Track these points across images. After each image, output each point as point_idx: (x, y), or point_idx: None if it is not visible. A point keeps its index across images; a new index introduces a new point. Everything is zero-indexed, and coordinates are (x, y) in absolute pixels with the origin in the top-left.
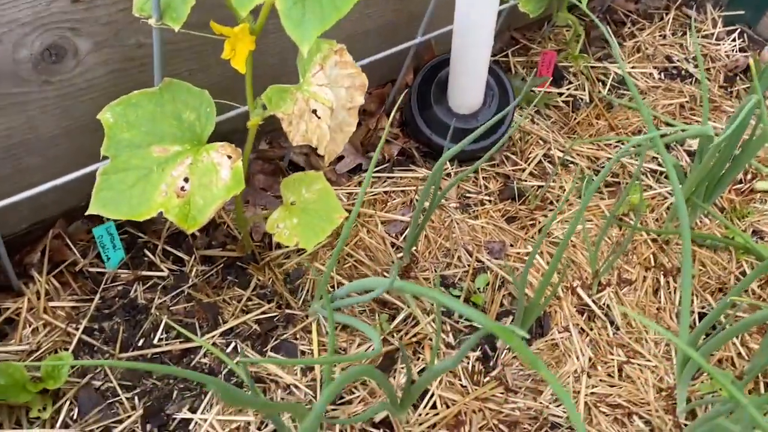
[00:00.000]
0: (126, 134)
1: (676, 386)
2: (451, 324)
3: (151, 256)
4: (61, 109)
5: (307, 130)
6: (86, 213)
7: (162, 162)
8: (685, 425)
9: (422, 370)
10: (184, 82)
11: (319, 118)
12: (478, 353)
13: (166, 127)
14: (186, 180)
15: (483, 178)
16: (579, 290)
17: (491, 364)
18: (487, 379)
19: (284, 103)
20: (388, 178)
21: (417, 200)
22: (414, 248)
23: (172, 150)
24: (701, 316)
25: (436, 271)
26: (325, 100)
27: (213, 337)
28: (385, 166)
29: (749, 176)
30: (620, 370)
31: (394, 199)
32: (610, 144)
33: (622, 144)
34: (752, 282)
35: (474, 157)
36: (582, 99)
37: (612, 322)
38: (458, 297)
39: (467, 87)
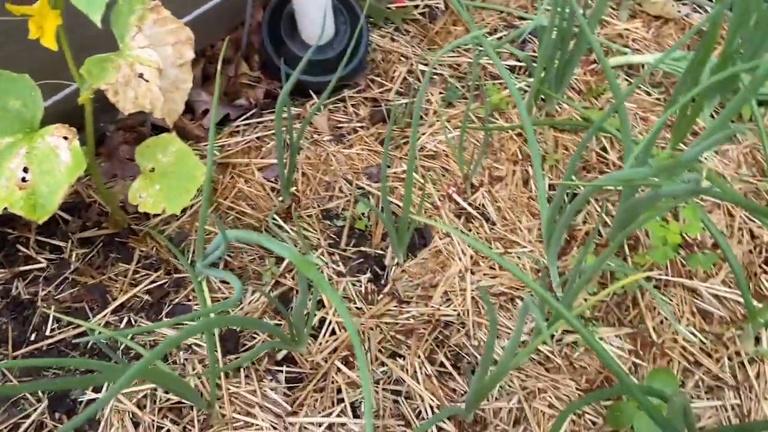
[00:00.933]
0: None
1: (549, 264)
2: (339, 254)
3: (26, 250)
4: None
5: (137, 96)
6: None
7: None
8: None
9: (320, 302)
10: (1, 70)
11: (147, 81)
12: (368, 275)
13: None
14: (26, 170)
15: (352, 105)
16: (455, 196)
17: (382, 282)
18: (381, 296)
19: (106, 73)
20: (259, 123)
21: (291, 141)
22: (294, 188)
23: (4, 142)
24: (573, 196)
25: (318, 206)
26: (150, 62)
27: (104, 316)
28: (253, 111)
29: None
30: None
31: (268, 143)
32: (471, 49)
33: (481, 48)
34: (580, 150)
35: (338, 87)
36: (438, 8)
37: (488, 219)
38: (342, 226)
39: (315, 17)
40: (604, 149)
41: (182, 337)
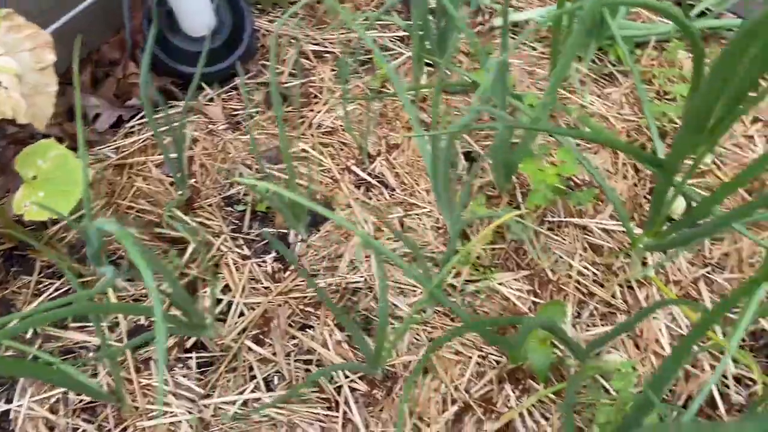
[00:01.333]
0: None
1: (445, 220)
2: (243, 238)
3: None
4: None
5: None
6: None
7: None
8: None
9: (226, 287)
10: None
11: (6, 88)
12: (273, 254)
13: None
14: None
15: (246, 92)
16: (354, 168)
17: (288, 259)
18: (287, 273)
19: None
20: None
21: (177, 135)
22: (193, 180)
23: None
24: (467, 155)
25: (219, 195)
26: (7, 69)
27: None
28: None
29: (486, 16)
30: (402, 225)
31: (165, 139)
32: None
33: (366, 21)
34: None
35: (230, 75)
36: None
37: (387, 186)
38: (244, 211)
39: (191, 9)
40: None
41: (48, 317)
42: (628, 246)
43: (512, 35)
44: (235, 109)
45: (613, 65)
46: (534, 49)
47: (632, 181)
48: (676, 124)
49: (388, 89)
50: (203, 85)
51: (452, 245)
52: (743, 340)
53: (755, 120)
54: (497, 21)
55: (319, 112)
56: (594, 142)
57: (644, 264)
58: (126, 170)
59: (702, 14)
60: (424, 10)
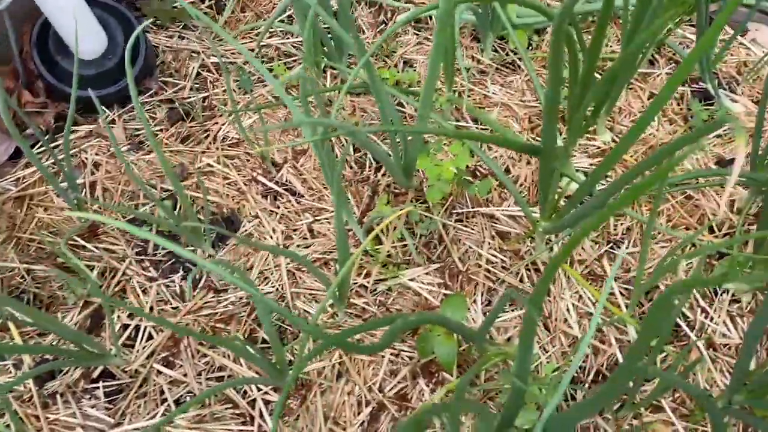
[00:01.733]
0: None
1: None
2: (149, 260)
3: None
4: None
5: None
6: None
7: None
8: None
9: (131, 313)
10: None
11: None
12: (181, 273)
13: None
14: None
15: (147, 110)
16: (260, 178)
17: (197, 276)
18: (196, 291)
19: None
20: (55, 147)
21: (85, 159)
22: (97, 205)
23: None
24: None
25: (124, 218)
26: None
27: None
28: (47, 138)
29: (389, 14)
30: (311, 231)
31: (66, 167)
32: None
33: (271, 29)
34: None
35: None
36: None
37: (295, 193)
38: (150, 230)
39: (78, 32)
40: (400, 104)
41: None
42: (533, 230)
43: (416, 32)
44: (138, 129)
45: (515, 53)
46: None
47: (535, 166)
48: None
49: (292, 94)
50: (103, 108)
51: (343, 253)
52: (640, 305)
53: (651, 96)
54: (401, 18)
55: (223, 124)
56: (470, 139)
57: (549, 246)
58: (27, 201)
59: None
60: (309, 20)
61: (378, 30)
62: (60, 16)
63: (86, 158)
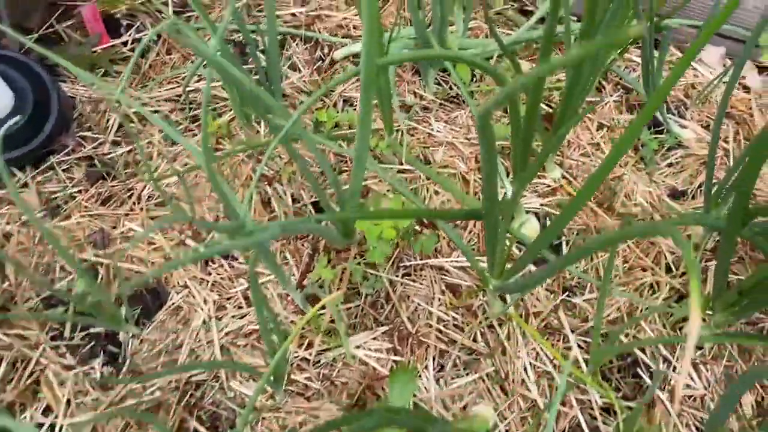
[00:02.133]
0: None
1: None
2: (66, 345)
3: None
4: None
5: None
6: None
7: None
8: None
9: (47, 409)
10: None
11: None
12: (102, 358)
13: None
14: None
15: (63, 171)
16: (189, 241)
17: (120, 360)
18: (120, 376)
19: None
20: None
21: None
22: (6, 283)
23: None
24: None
25: (38, 296)
26: None
27: None
28: None
29: (326, 50)
30: (246, 298)
31: None
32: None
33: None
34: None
35: (44, 154)
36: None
37: (227, 256)
38: (66, 311)
39: None
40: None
41: None
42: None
43: (355, 66)
44: (53, 192)
45: (458, 87)
46: None
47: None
48: None
49: (223, 145)
50: (14, 170)
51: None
52: (610, 362)
53: (600, 126)
54: (338, 54)
55: (148, 181)
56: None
57: (503, 299)
58: None
59: (542, 21)
60: (231, 76)
61: (314, 67)
62: None
63: None
